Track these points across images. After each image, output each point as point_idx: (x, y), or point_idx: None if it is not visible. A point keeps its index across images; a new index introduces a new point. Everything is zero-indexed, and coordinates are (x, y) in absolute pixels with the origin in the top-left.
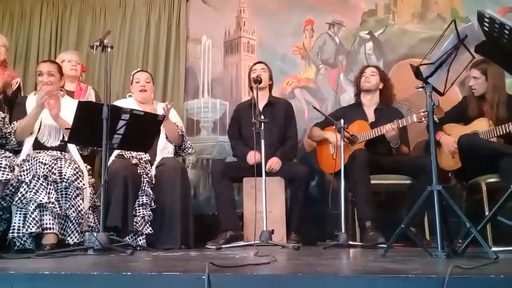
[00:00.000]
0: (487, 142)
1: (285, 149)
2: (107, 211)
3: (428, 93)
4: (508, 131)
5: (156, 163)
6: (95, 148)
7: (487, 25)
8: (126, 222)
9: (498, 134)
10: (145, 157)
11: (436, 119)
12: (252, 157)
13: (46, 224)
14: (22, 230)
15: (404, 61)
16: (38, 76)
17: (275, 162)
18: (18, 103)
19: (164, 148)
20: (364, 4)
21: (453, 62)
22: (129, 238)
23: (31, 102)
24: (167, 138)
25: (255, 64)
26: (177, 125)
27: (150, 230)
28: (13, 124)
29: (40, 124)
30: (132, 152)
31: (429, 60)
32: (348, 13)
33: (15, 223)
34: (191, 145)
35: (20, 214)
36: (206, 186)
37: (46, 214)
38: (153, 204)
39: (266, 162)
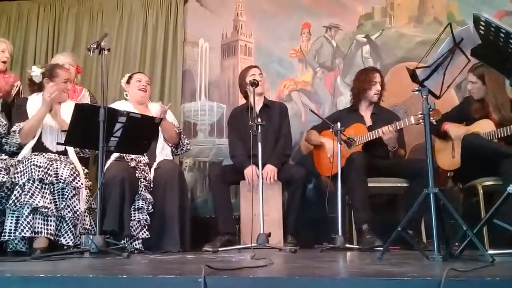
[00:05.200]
0: (491, 143)
1: (278, 150)
2: (104, 214)
3: (424, 96)
4: (510, 133)
5: (154, 165)
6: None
7: (483, 28)
8: (123, 226)
9: (500, 136)
10: (144, 160)
11: (433, 121)
12: (250, 176)
13: (38, 228)
14: (15, 233)
15: (400, 64)
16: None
17: (269, 172)
18: (18, 105)
19: (162, 149)
20: (361, 8)
21: (449, 65)
22: (125, 242)
23: (33, 103)
24: (165, 139)
25: (250, 68)
26: (174, 124)
27: (147, 235)
28: (17, 125)
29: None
30: (131, 155)
31: (425, 64)
32: (345, 17)
33: (6, 226)
34: (188, 142)
35: (12, 217)
36: (203, 188)
37: (38, 218)
38: (150, 208)
39: (263, 166)
